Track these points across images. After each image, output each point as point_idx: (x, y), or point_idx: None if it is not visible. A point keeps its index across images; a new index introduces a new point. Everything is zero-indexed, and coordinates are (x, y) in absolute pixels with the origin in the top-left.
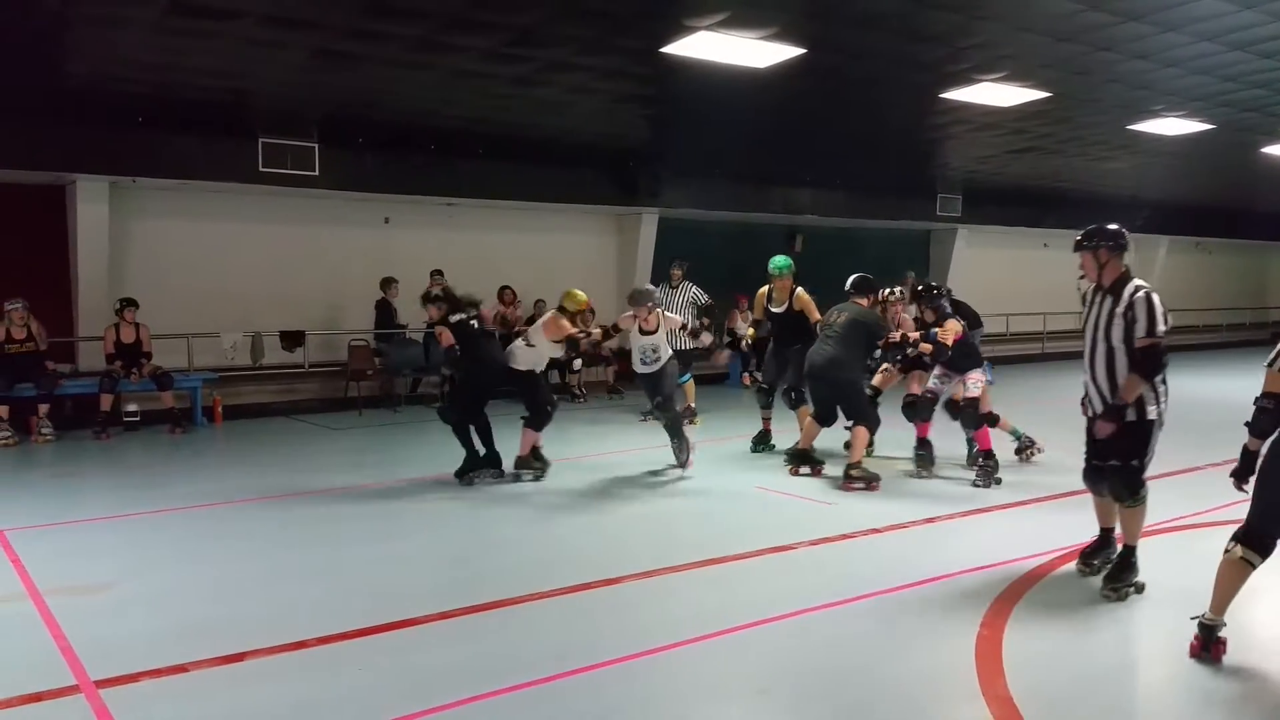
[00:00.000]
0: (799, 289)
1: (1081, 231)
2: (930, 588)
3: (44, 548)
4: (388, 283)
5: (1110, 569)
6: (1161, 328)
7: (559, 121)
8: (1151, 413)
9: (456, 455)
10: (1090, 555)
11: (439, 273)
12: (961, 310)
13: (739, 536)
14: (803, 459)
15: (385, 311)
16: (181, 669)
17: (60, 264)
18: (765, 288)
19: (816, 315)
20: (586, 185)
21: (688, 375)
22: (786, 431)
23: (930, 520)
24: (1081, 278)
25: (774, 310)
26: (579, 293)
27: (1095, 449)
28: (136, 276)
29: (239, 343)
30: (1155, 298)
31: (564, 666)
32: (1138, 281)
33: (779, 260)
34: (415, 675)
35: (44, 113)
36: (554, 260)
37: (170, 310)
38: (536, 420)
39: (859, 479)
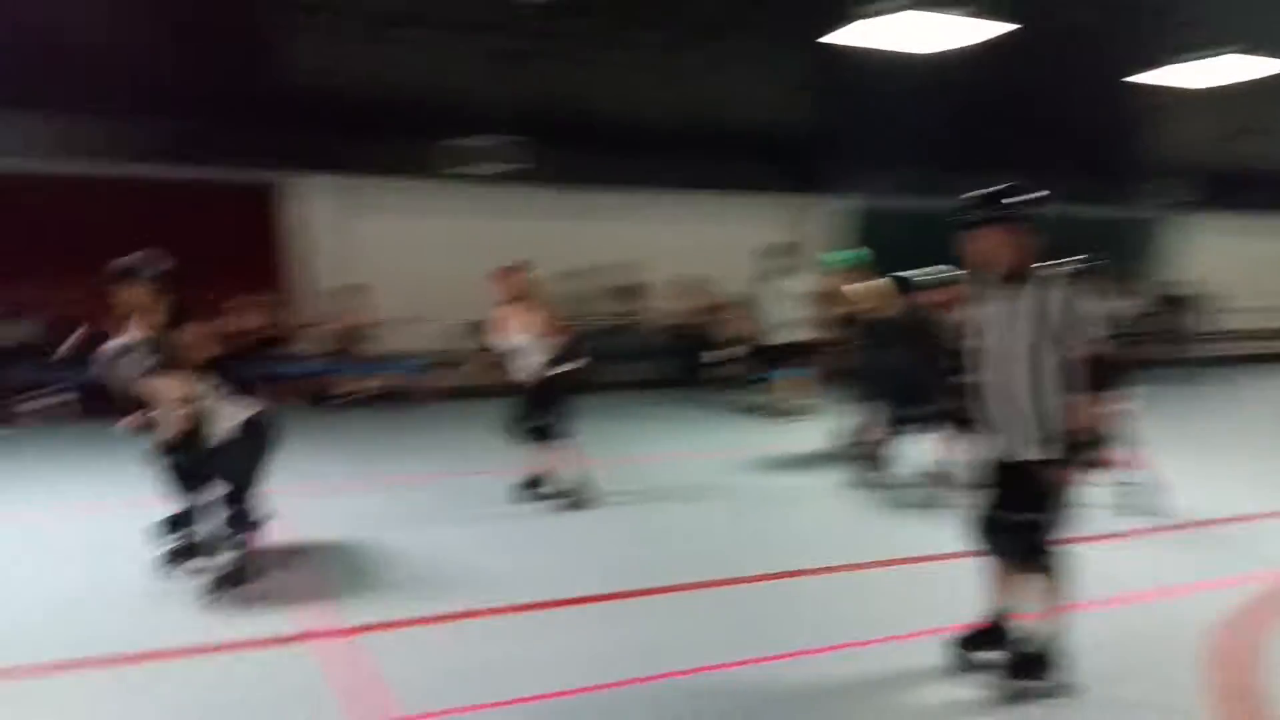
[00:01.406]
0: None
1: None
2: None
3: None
4: (579, 274)
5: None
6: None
7: (730, 112)
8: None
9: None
10: (977, 642)
11: (626, 265)
12: None
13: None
14: None
15: (575, 302)
16: (419, 621)
17: (278, 255)
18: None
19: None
20: (757, 174)
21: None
22: None
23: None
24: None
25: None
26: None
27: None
28: (356, 267)
29: (452, 330)
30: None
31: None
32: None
33: (848, 254)
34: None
35: (269, 118)
36: (724, 251)
37: (386, 298)
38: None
39: None
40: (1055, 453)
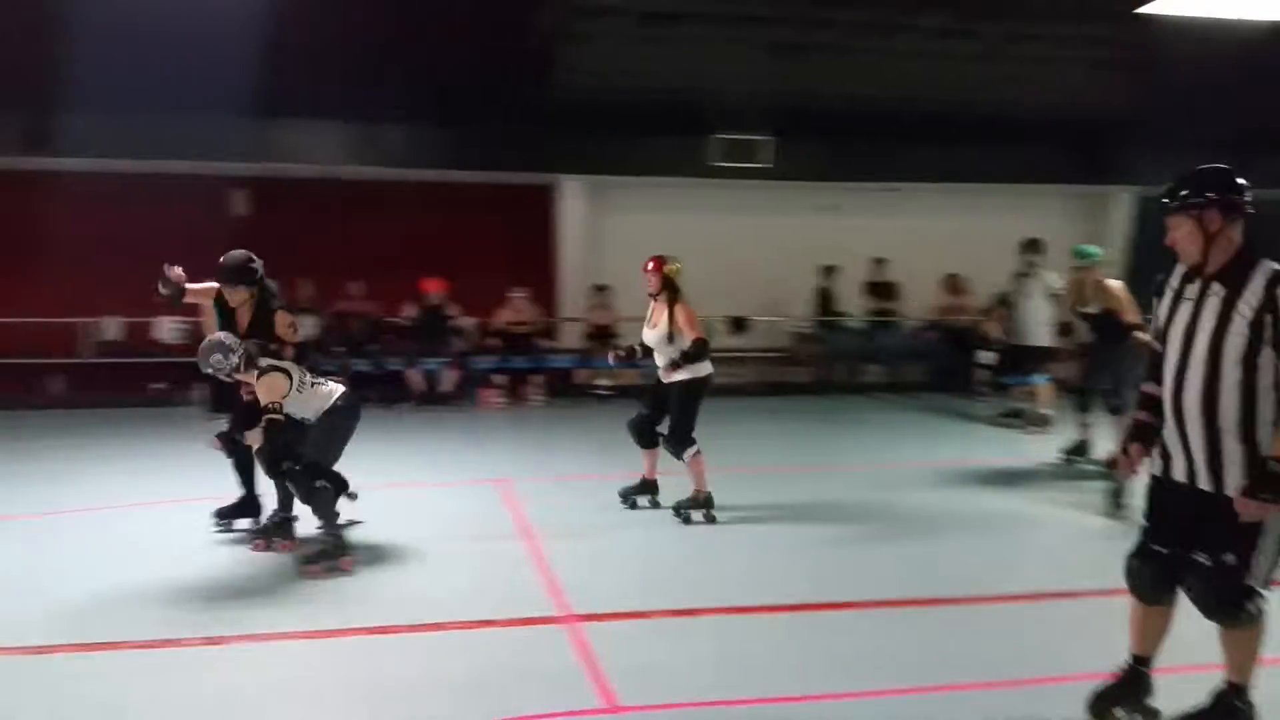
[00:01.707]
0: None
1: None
2: None
3: (537, 497)
4: (829, 270)
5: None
6: None
7: (1015, 96)
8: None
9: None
10: (1114, 697)
11: (880, 260)
12: None
13: None
14: None
15: (825, 299)
16: (643, 615)
17: (547, 255)
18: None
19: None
20: (1043, 163)
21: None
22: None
23: None
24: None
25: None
26: None
27: (1175, 530)
28: (609, 265)
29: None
30: None
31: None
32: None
33: (1095, 249)
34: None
35: (537, 123)
36: (1004, 246)
37: (635, 295)
38: None
39: None
40: (1256, 482)
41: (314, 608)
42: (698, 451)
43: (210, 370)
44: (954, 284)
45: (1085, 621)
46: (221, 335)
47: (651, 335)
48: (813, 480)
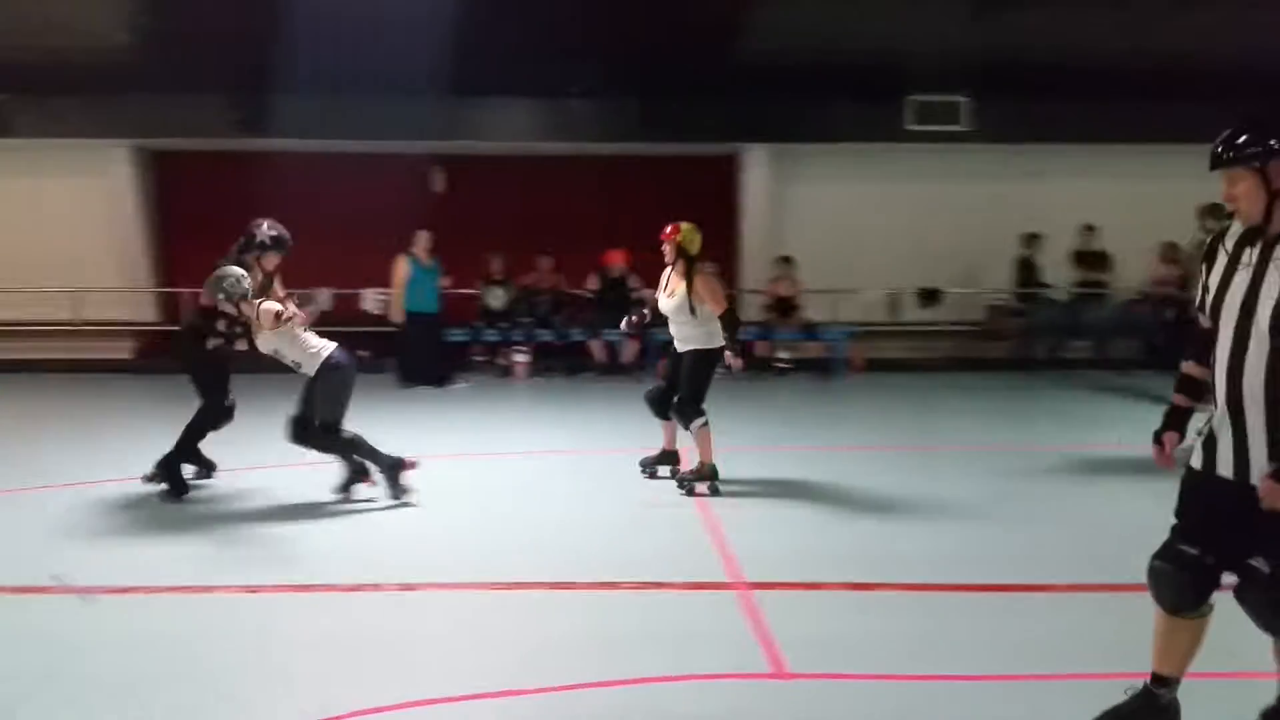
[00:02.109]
0: None
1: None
2: None
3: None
4: (1031, 239)
5: None
6: None
7: (1229, 47)
8: None
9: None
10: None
11: (1090, 228)
12: None
13: None
14: None
15: (1027, 269)
16: (817, 586)
17: (731, 226)
18: None
19: None
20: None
21: None
22: None
23: None
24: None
25: None
26: None
27: (1213, 531)
28: (792, 235)
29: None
30: None
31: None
32: None
33: None
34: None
35: (718, 91)
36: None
37: (819, 267)
38: None
39: None
40: None
41: (503, 560)
42: (705, 424)
43: (221, 295)
44: (1170, 253)
45: None
46: (233, 266)
47: (668, 304)
48: (1003, 460)
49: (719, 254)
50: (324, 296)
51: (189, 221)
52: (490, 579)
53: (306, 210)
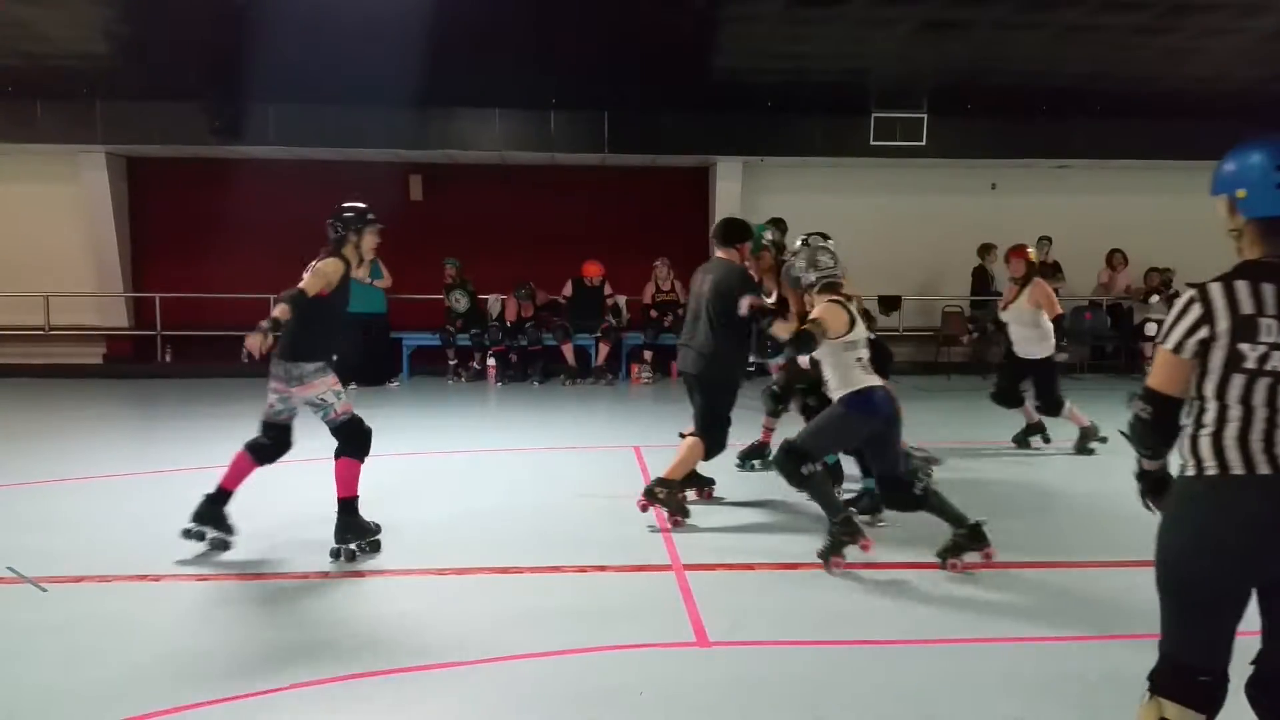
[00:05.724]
0: None
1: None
2: None
3: (658, 461)
4: (986, 249)
5: None
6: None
7: (1187, 70)
8: None
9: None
10: None
11: (1046, 239)
12: None
13: None
14: None
15: (981, 278)
16: (748, 567)
17: (703, 234)
18: None
19: None
20: (1221, 139)
21: None
22: None
23: None
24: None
25: None
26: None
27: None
28: None
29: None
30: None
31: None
32: None
33: None
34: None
35: (693, 106)
36: (1176, 225)
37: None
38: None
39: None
40: None
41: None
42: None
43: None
44: (1116, 260)
45: None
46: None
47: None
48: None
49: (692, 263)
50: None
51: (163, 228)
52: (446, 565)
53: (280, 218)
